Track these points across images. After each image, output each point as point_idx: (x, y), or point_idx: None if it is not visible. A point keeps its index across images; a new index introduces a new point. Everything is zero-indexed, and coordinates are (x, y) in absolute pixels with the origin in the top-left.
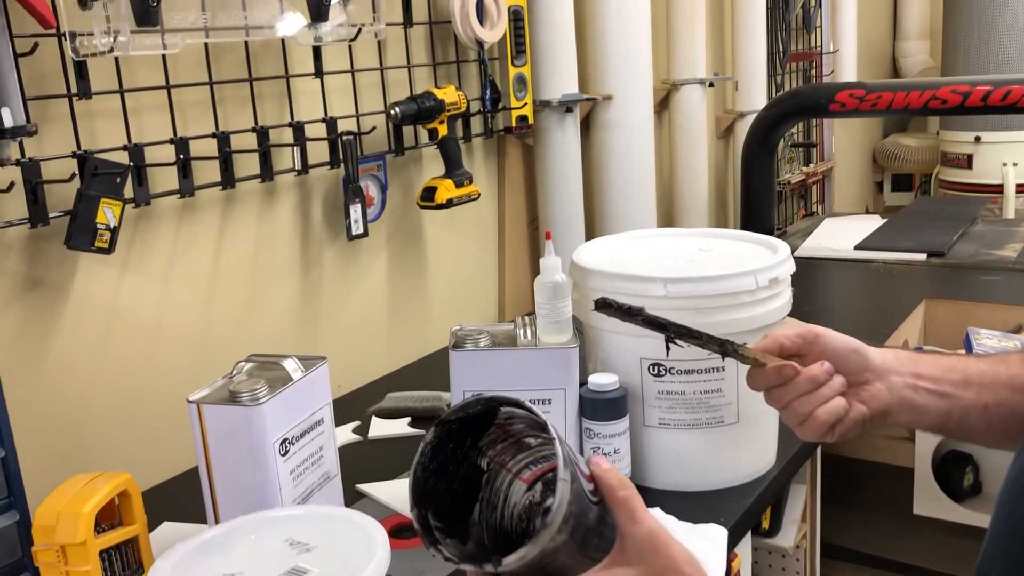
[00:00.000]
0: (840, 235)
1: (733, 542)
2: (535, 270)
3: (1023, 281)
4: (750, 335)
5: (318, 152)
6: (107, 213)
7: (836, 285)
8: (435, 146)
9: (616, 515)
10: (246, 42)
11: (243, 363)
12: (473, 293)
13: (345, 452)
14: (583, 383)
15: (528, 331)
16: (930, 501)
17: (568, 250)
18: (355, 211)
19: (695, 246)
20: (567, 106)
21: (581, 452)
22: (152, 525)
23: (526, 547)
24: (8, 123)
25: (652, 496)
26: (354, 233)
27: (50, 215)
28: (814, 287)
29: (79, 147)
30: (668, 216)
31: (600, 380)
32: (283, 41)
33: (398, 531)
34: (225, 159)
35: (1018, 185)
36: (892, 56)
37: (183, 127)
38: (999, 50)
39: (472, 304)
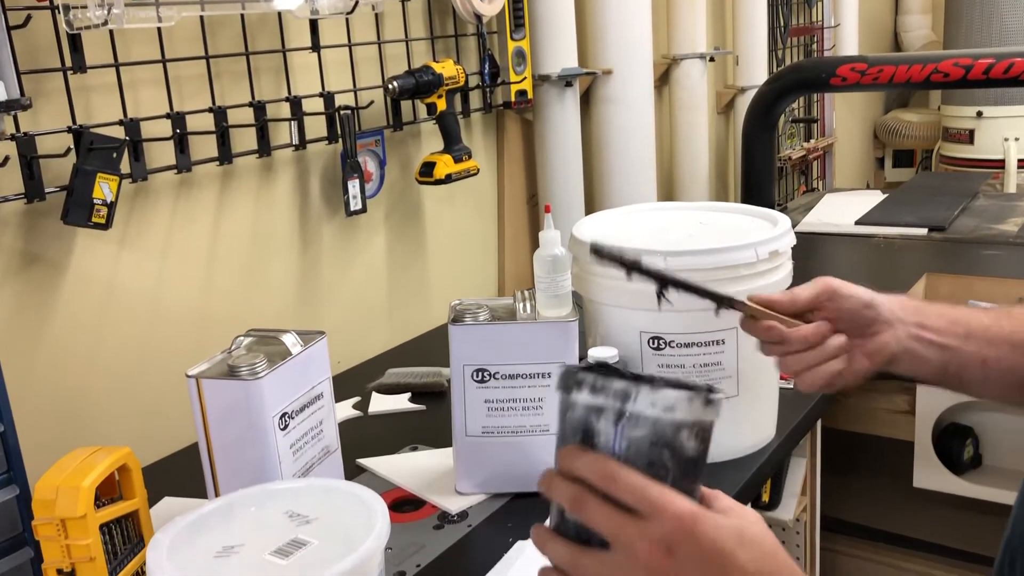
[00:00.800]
0: (841, 210)
1: None
2: (535, 245)
3: None
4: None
5: (316, 127)
6: (104, 188)
7: (837, 260)
8: (434, 121)
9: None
10: (242, 15)
11: (242, 338)
12: (473, 269)
13: (346, 427)
14: (583, 357)
15: (527, 305)
16: (930, 474)
17: (568, 225)
18: (353, 187)
19: (695, 220)
20: (566, 80)
21: None
22: (153, 500)
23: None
24: (1, 97)
25: None
26: (352, 209)
27: (46, 190)
28: (815, 262)
29: (74, 121)
30: (668, 193)
31: (600, 353)
32: (279, 14)
33: (398, 504)
34: (222, 134)
35: (1019, 160)
36: (894, 30)
37: (179, 102)
38: (1002, 24)
39: (472, 280)
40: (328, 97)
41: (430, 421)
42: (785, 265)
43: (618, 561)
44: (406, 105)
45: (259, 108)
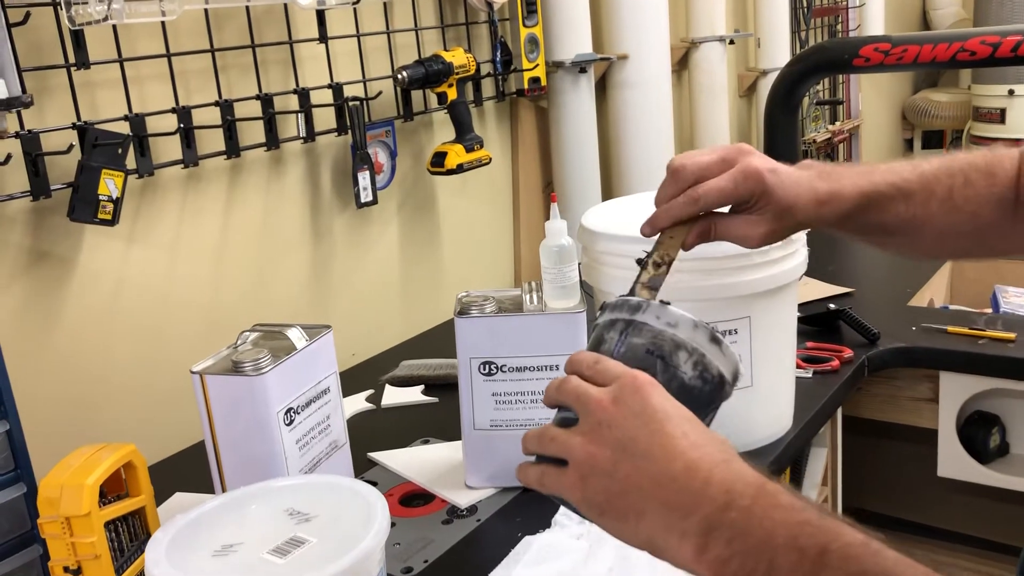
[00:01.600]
0: None
1: None
2: None
3: None
4: (764, 298)
5: (325, 119)
6: (109, 184)
7: (858, 244)
8: (445, 110)
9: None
10: (247, 7)
11: (247, 333)
12: (488, 260)
13: (358, 420)
14: None
15: (535, 296)
16: (955, 463)
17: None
18: (364, 178)
19: None
20: (581, 66)
21: None
22: (164, 497)
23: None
24: (3, 95)
25: None
26: (363, 201)
27: (52, 187)
28: (839, 246)
29: (79, 118)
30: None
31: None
32: (286, 6)
33: (408, 499)
34: (229, 127)
35: None
36: (923, 8)
37: (185, 96)
38: None
39: (487, 271)
40: (337, 88)
41: (443, 414)
42: (800, 252)
43: (576, 421)
44: (416, 95)
45: (266, 101)
